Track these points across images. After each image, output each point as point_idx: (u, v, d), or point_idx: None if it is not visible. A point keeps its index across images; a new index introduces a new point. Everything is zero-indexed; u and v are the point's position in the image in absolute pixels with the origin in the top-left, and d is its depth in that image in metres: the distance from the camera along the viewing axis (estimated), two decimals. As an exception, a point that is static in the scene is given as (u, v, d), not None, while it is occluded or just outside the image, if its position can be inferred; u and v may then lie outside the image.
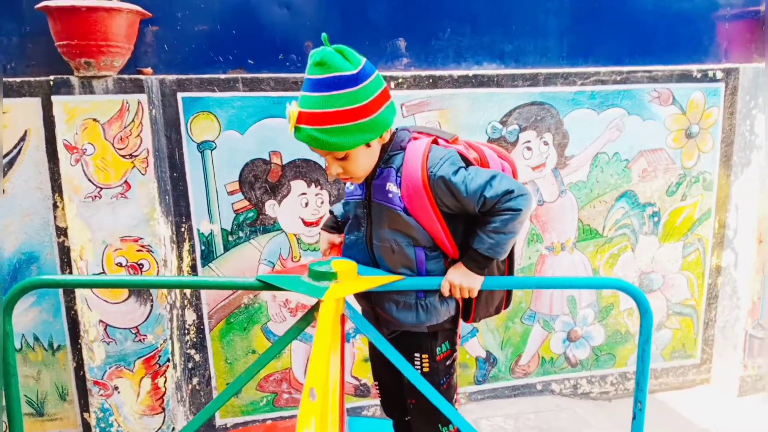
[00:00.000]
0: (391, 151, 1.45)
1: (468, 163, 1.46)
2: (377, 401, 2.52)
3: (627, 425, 2.46)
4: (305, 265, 1.48)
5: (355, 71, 1.32)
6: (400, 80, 2.28)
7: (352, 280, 1.42)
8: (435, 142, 1.47)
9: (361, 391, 2.53)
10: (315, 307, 1.43)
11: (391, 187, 1.43)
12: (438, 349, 1.58)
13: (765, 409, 2.65)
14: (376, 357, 1.75)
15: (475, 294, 1.47)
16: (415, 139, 1.48)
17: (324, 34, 1.35)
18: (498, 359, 2.62)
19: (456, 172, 1.40)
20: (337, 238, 1.70)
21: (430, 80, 2.30)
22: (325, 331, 1.22)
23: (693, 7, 2.58)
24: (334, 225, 1.74)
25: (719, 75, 2.56)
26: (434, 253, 1.49)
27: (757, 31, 2.67)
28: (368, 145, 1.39)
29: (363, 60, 1.35)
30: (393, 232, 1.47)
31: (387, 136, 1.44)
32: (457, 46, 2.38)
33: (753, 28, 2.66)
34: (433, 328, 1.55)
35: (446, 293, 1.47)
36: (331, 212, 1.78)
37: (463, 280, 1.44)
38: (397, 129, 1.49)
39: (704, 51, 2.62)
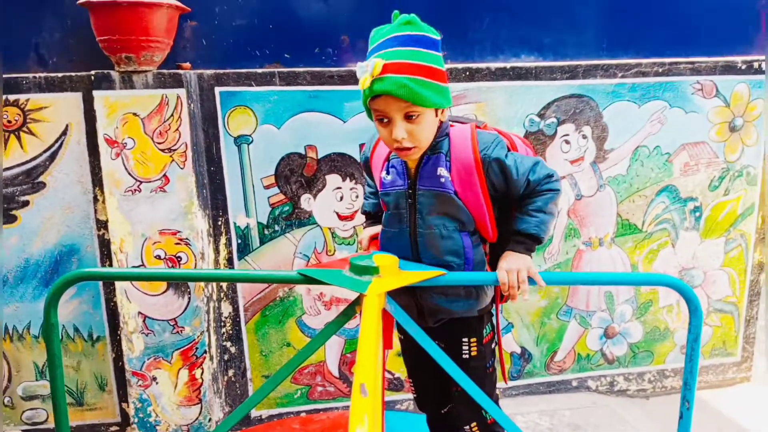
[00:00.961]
0: (438, 137, 1.45)
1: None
2: (410, 395, 2.52)
3: (664, 423, 2.44)
4: (346, 259, 1.47)
5: (438, 37, 1.37)
6: (436, 73, 2.25)
7: (394, 274, 1.41)
8: (475, 126, 1.49)
9: (395, 386, 2.53)
10: (356, 302, 1.43)
11: (442, 171, 1.43)
12: (484, 331, 1.60)
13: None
14: (410, 352, 1.72)
15: (534, 274, 1.41)
16: (452, 126, 1.49)
17: (395, 11, 1.38)
18: (533, 355, 2.59)
19: (506, 155, 1.42)
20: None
21: (467, 73, 2.27)
22: (371, 326, 1.21)
23: (738, -4, 2.50)
24: (375, 222, 1.72)
25: (765, 67, 2.48)
26: (475, 237, 1.50)
27: (805, 20, 2.58)
28: (437, 114, 1.41)
29: None
30: (442, 217, 1.46)
31: (443, 117, 1.44)
32: (494, 38, 2.34)
33: (801, 17, 2.57)
34: (481, 312, 1.58)
35: (505, 286, 1.41)
36: (365, 213, 1.75)
37: (520, 264, 1.40)
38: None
39: (749, 42, 2.54)
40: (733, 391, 2.77)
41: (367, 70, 1.32)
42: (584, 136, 2.40)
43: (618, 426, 2.43)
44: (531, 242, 1.44)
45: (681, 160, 2.50)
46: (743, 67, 2.47)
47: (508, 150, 1.45)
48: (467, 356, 1.58)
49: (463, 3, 2.31)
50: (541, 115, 2.35)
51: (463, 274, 1.51)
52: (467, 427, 1.63)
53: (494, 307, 1.63)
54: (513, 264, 1.42)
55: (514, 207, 1.51)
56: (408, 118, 1.35)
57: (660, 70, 2.38)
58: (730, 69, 2.45)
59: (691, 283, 2.64)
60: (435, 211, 1.46)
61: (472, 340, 1.58)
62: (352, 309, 1.45)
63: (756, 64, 2.47)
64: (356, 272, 1.40)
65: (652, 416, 2.54)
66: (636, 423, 2.45)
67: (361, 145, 2.28)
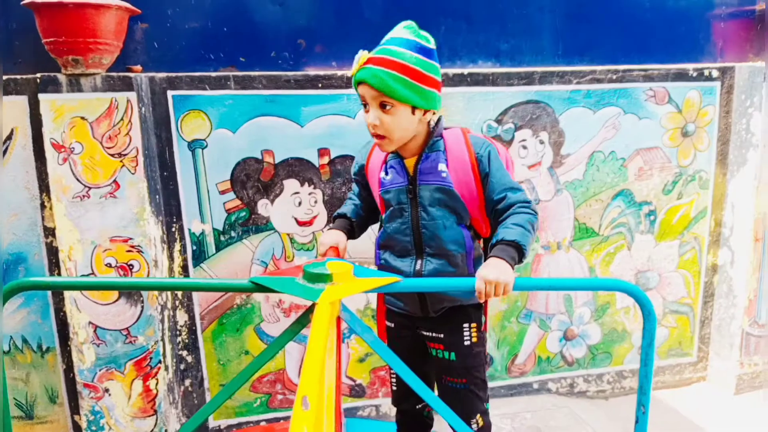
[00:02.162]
0: (434, 137, 1.58)
1: None
2: (373, 401, 2.51)
3: (624, 424, 2.47)
4: (300, 267, 1.45)
5: (432, 47, 1.52)
6: (394, 78, 2.24)
7: (348, 281, 1.39)
8: (465, 130, 1.63)
9: (357, 392, 2.50)
10: (310, 309, 1.40)
11: (442, 167, 1.57)
12: (482, 318, 1.71)
13: (762, 406, 2.65)
14: (399, 343, 1.73)
15: (509, 293, 1.42)
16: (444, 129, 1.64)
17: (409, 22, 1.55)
18: (494, 359, 2.60)
19: (497, 157, 1.57)
20: (343, 242, 1.67)
21: (425, 78, 2.27)
22: (320, 335, 1.19)
23: (689, 6, 2.56)
24: (348, 228, 1.72)
25: (715, 74, 2.55)
26: (472, 231, 1.63)
27: (753, 30, 2.66)
28: (413, 113, 1.51)
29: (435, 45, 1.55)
30: (441, 209, 1.58)
31: (429, 120, 1.56)
32: (452, 44, 2.35)
33: (748, 27, 2.65)
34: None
35: (482, 295, 1.41)
36: (340, 215, 1.75)
37: (499, 275, 1.40)
38: (439, 119, 1.63)
39: (700, 50, 2.61)
40: (690, 391, 2.82)
41: (355, 60, 1.51)
42: (541, 142, 2.42)
43: (578, 427, 2.45)
44: (513, 250, 1.46)
45: (635, 165, 2.54)
46: (694, 74, 2.53)
47: (496, 153, 1.59)
48: (469, 342, 1.68)
49: (421, 9, 2.31)
50: (498, 121, 2.37)
51: (436, 280, 1.58)
52: (476, 416, 1.72)
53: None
54: (494, 275, 1.40)
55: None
56: (382, 107, 1.49)
57: (614, 77, 2.43)
58: (681, 76, 2.51)
59: (647, 286, 2.69)
60: (437, 204, 1.58)
61: (473, 326, 1.68)
62: (306, 317, 1.43)
63: (707, 72, 2.54)
64: (309, 280, 1.37)
65: (612, 417, 2.57)
66: (596, 424, 2.48)
67: (321, 150, 2.26)
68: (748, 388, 2.75)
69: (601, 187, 2.53)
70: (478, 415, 1.72)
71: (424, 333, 1.72)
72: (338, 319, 1.41)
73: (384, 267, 1.69)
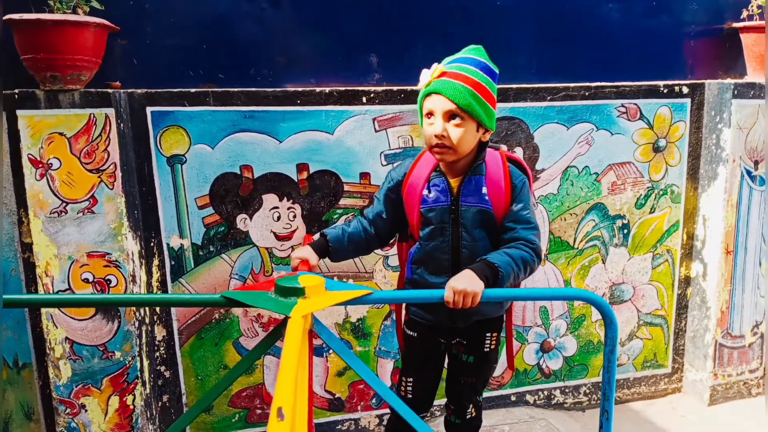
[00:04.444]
0: (479, 160, 1.66)
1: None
2: (352, 415, 2.52)
3: (598, 436, 2.50)
4: (272, 280, 1.47)
5: (496, 70, 1.61)
6: (372, 95, 2.29)
7: (320, 295, 1.41)
8: (504, 154, 1.73)
9: (335, 406, 2.51)
10: (283, 323, 1.42)
11: (484, 190, 1.65)
12: (503, 325, 1.85)
13: (735, 417, 2.69)
14: (419, 351, 1.87)
15: (477, 303, 1.46)
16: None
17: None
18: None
19: (527, 192, 1.67)
20: (313, 258, 1.70)
21: (402, 95, 2.31)
22: (293, 348, 1.20)
23: (659, 25, 2.64)
24: (323, 248, 1.75)
25: (685, 90, 2.62)
26: None
27: (722, 48, 2.74)
28: (478, 130, 1.60)
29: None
30: (482, 231, 1.67)
31: (484, 138, 1.65)
32: (429, 62, 2.38)
33: (717, 45, 2.73)
34: (506, 311, 1.84)
35: (450, 301, 1.47)
36: (323, 235, 1.78)
37: (467, 285, 1.45)
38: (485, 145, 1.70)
39: (670, 67, 2.69)
40: (665, 402, 2.87)
41: (429, 72, 1.60)
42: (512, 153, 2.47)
43: (555, 439, 2.48)
44: (489, 271, 1.52)
45: (608, 180, 2.60)
46: (665, 91, 2.60)
47: (528, 188, 1.69)
48: (488, 349, 1.82)
49: (398, 27, 2.36)
50: (474, 136, 2.41)
51: (406, 292, 1.70)
52: (470, 407, 1.89)
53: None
54: (465, 285, 1.45)
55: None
56: (451, 118, 1.56)
57: (587, 93, 2.49)
58: (652, 93, 2.58)
59: (621, 298, 2.73)
60: (478, 226, 1.66)
61: (494, 335, 1.82)
62: (279, 331, 1.44)
63: (677, 88, 2.61)
64: (281, 294, 1.40)
65: (589, 428, 2.60)
66: (572, 436, 2.51)
67: (300, 165, 2.28)
68: (722, 399, 2.79)
69: (575, 202, 2.58)
70: (472, 406, 1.89)
71: (448, 340, 1.84)
72: (310, 332, 1.43)
73: (416, 281, 1.76)
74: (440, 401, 2.07)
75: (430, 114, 1.60)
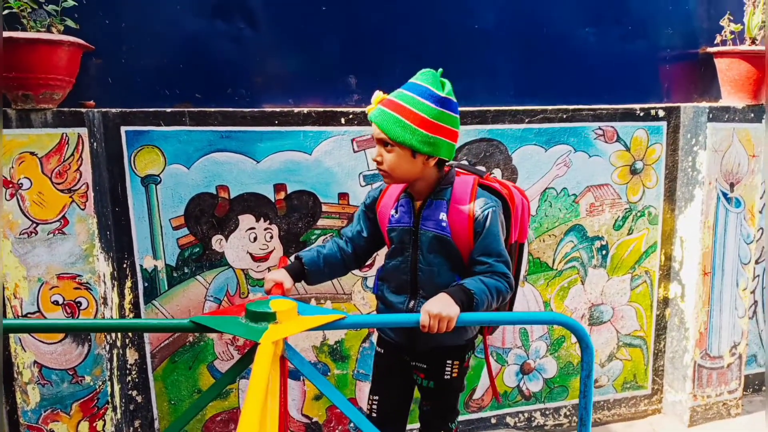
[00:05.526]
0: (442, 185, 1.66)
1: (506, 207, 1.71)
2: (328, 440, 2.47)
3: (577, 460, 2.48)
4: (243, 305, 1.44)
5: (445, 95, 1.58)
6: (350, 116, 2.28)
7: (292, 320, 1.38)
8: (478, 181, 1.71)
9: (312, 430, 2.46)
10: (253, 349, 1.39)
11: (443, 216, 1.64)
12: (466, 356, 1.82)
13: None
14: (385, 369, 1.88)
15: (452, 328, 1.47)
16: (458, 175, 1.72)
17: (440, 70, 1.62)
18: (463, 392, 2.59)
19: (495, 221, 1.64)
20: (288, 282, 1.68)
21: (381, 116, 2.31)
22: (261, 376, 1.17)
23: (635, 49, 2.68)
24: (298, 271, 1.74)
25: (661, 113, 2.65)
26: (463, 277, 1.67)
27: (697, 72, 2.79)
28: (413, 156, 1.58)
29: (452, 95, 1.61)
30: (438, 256, 1.66)
31: (433, 167, 1.63)
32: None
33: (692, 69, 2.78)
34: (468, 340, 1.80)
35: (425, 326, 1.47)
36: (297, 258, 1.77)
37: (442, 309, 1.46)
38: (451, 168, 1.72)
39: (646, 91, 2.72)
40: (645, 423, 2.86)
41: (372, 99, 1.63)
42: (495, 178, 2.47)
43: (534, 463, 2.45)
44: (464, 295, 1.53)
45: (587, 201, 2.61)
46: (641, 114, 2.63)
47: (496, 217, 1.64)
48: (449, 377, 1.79)
49: (377, 49, 2.37)
50: (454, 158, 2.41)
51: (381, 316, 1.72)
52: None
53: (480, 337, 1.86)
54: (440, 309, 1.47)
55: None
56: (384, 145, 1.59)
57: (564, 116, 2.51)
58: (629, 116, 2.61)
59: (600, 319, 2.73)
60: (434, 250, 1.66)
61: (455, 362, 1.78)
62: (250, 357, 1.41)
63: (653, 112, 2.64)
64: (252, 319, 1.37)
65: (568, 452, 2.58)
66: (552, 459, 2.49)
67: (277, 185, 2.26)
68: (702, 419, 2.79)
69: (554, 223, 2.59)
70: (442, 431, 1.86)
71: (411, 362, 1.82)
72: (282, 358, 1.40)
73: (381, 297, 1.80)
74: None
75: (374, 138, 1.65)
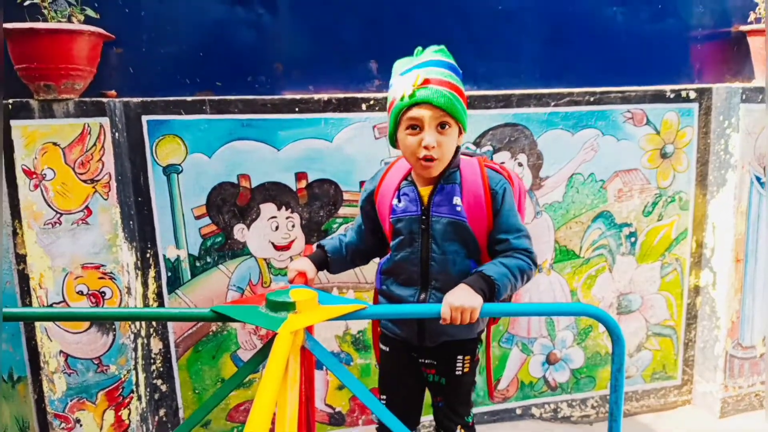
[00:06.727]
0: (451, 168, 1.56)
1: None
2: (353, 430, 2.46)
3: (606, 452, 2.43)
4: (263, 294, 1.42)
5: (460, 70, 1.53)
6: (371, 102, 2.25)
7: (312, 310, 1.36)
8: (482, 161, 1.62)
9: (336, 420, 2.46)
10: (274, 338, 1.38)
11: (457, 200, 1.55)
12: (477, 350, 1.73)
13: (747, 429, 2.61)
14: (393, 367, 1.78)
15: (475, 319, 1.41)
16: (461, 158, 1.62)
17: (418, 47, 1.57)
18: (476, 384, 2.56)
19: (510, 197, 1.58)
20: (311, 271, 1.65)
21: (402, 101, 2.27)
22: (277, 366, 1.15)
23: (665, 29, 2.59)
24: (321, 260, 1.71)
25: (692, 95, 2.56)
26: (479, 264, 1.59)
27: (729, 52, 2.68)
28: (459, 134, 1.53)
29: None
30: (453, 243, 1.57)
31: (460, 141, 1.57)
32: (428, 67, 2.35)
33: (725, 49, 2.68)
34: (479, 333, 1.72)
35: (447, 319, 1.41)
36: (320, 246, 1.74)
37: (464, 301, 1.39)
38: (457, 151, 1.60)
39: (677, 72, 2.63)
40: (675, 415, 2.79)
41: (408, 81, 1.46)
42: (520, 164, 2.42)
43: (561, 454, 2.42)
44: (486, 284, 1.46)
45: (615, 187, 2.54)
46: (672, 96, 2.54)
47: (510, 193, 1.59)
48: (460, 372, 1.70)
49: (398, 33, 2.32)
50: (477, 144, 2.37)
51: (401, 306, 1.58)
52: (458, 429, 1.76)
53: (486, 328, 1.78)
54: (462, 301, 1.40)
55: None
56: (440, 127, 1.47)
57: (591, 99, 2.43)
58: (659, 98, 2.52)
59: (629, 308, 2.67)
60: (448, 238, 1.56)
61: (466, 358, 1.70)
62: (269, 347, 1.40)
63: (684, 93, 2.55)
64: (271, 309, 1.35)
65: (596, 442, 2.54)
66: (579, 450, 2.45)
67: (299, 174, 2.24)
68: (733, 411, 2.71)
69: (581, 209, 2.52)
70: (460, 427, 1.76)
71: (419, 359, 1.74)
72: (303, 348, 1.38)
73: (384, 293, 1.69)
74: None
75: (416, 125, 1.48)
